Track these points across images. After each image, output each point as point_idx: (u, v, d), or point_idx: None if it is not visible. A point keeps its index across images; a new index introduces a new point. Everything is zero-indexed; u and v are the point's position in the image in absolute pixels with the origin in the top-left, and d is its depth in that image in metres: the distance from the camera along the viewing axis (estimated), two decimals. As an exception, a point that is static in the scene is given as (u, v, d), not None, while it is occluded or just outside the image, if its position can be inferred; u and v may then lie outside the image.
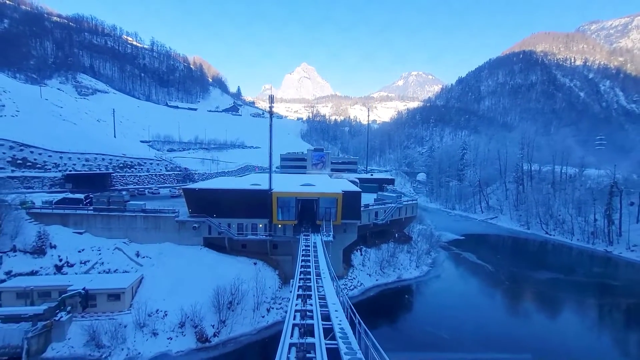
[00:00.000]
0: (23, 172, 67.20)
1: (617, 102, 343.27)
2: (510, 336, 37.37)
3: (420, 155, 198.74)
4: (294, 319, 17.30)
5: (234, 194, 46.13)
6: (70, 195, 49.80)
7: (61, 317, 32.46)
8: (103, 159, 79.17)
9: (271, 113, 45.72)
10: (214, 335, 34.27)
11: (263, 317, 38.17)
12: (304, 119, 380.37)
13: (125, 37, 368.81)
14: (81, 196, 48.98)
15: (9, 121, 76.30)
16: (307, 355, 13.64)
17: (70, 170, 73.16)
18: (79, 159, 75.64)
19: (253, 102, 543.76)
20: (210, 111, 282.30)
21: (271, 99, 44.45)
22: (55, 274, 38.92)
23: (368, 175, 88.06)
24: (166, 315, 35.08)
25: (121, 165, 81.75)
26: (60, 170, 71.79)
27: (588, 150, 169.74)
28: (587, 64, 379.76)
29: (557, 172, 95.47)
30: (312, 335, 15.02)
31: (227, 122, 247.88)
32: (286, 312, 20.65)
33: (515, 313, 45.78)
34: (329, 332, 15.32)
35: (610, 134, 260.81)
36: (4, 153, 66.62)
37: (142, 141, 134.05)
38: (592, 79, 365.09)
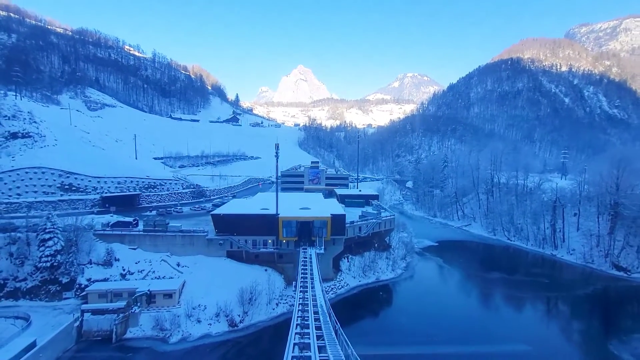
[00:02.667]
0: (70, 195, 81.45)
1: (600, 107, 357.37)
2: (453, 316, 52.15)
3: (409, 164, 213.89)
4: (299, 300, 32.86)
5: (250, 217, 60.72)
6: (122, 219, 63.92)
7: (135, 310, 46.91)
8: (132, 182, 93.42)
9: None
10: (240, 322, 48.77)
11: (273, 309, 52.77)
12: (301, 124, 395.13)
13: (128, 48, 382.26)
14: (130, 219, 63.29)
15: (52, 151, 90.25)
16: (305, 314, 29.28)
17: (106, 193, 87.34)
18: (112, 182, 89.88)
19: (251, 109, 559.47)
20: (211, 122, 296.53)
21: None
22: (121, 280, 53.17)
23: (357, 191, 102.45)
24: (205, 308, 49.48)
25: (146, 186, 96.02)
26: (98, 193, 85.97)
27: (565, 157, 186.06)
28: (573, 70, 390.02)
29: (520, 185, 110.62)
30: (307, 306, 31.40)
31: (228, 133, 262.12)
32: (292, 305, 37.19)
33: (462, 302, 60.58)
34: (315, 306, 31.23)
35: (593, 139, 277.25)
36: (54, 180, 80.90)
37: (155, 158, 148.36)
38: (576, 85, 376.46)
